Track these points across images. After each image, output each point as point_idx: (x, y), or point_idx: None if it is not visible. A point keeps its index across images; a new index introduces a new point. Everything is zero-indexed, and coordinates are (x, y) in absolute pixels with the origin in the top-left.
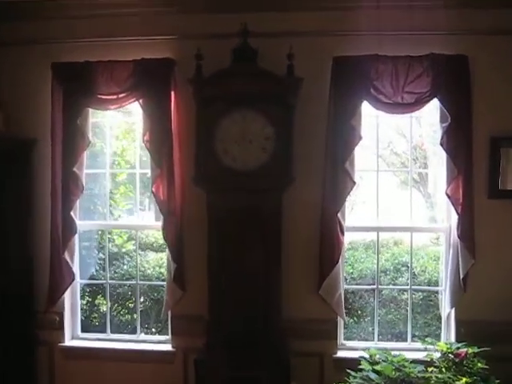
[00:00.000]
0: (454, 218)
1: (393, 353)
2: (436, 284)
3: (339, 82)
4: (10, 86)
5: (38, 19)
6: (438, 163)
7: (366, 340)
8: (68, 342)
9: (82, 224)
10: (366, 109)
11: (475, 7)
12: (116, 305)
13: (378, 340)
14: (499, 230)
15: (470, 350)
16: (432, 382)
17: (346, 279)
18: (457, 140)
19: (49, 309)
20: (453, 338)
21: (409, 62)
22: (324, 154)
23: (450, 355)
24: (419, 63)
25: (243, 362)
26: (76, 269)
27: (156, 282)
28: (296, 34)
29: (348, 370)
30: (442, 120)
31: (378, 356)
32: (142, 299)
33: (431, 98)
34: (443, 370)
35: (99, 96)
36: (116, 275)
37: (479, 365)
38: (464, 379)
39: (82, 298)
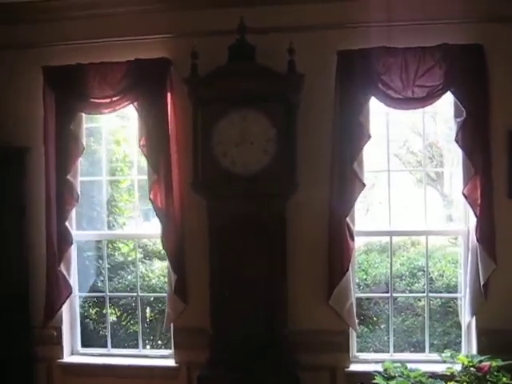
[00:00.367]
0: (473, 219)
1: (409, 366)
2: (455, 289)
3: (345, 77)
4: (1, 92)
5: (27, 22)
6: (454, 161)
7: (381, 351)
8: (67, 357)
9: (78, 234)
10: (377, 105)
11: None
12: (125, 314)
13: (394, 351)
14: None
15: (494, 363)
16: None
17: (360, 286)
18: (473, 136)
19: (46, 324)
20: (474, 349)
21: (419, 53)
22: (330, 155)
23: (471, 369)
24: (430, 55)
25: (248, 378)
26: (74, 281)
27: (158, 293)
28: (297, 28)
29: None
30: (457, 115)
31: (393, 370)
32: (148, 309)
33: (444, 92)
34: None
35: (92, 100)
36: (120, 286)
37: (504, 379)
38: None
39: (92, 307)
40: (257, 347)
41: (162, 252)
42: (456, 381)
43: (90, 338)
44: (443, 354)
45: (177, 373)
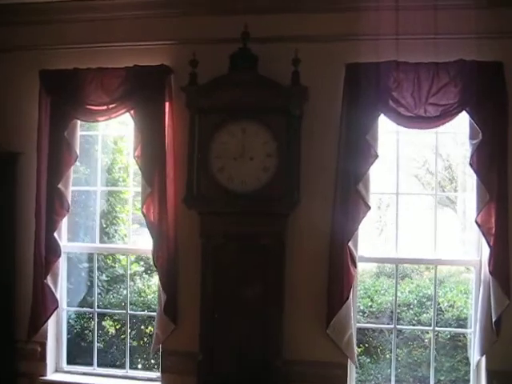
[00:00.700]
0: (486, 249)
1: None
2: (466, 321)
3: (353, 92)
4: None
5: (25, 24)
6: (469, 185)
7: None
8: (50, 375)
9: (69, 246)
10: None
11: (511, 6)
12: (124, 328)
13: None
14: None
15: None
16: None
17: (364, 313)
18: (489, 160)
19: (30, 338)
20: None
21: (433, 69)
22: (334, 174)
23: None
24: (445, 71)
25: None
26: (62, 295)
27: (151, 312)
28: (303, 39)
29: None
30: (472, 136)
31: None
32: (142, 326)
33: (459, 111)
34: None
35: (88, 106)
36: (114, 300)
37: None
38: None
39: (90, 321)
40: (248, 377)
41: None
42: None
43: (85, 353)
44: None
45: None
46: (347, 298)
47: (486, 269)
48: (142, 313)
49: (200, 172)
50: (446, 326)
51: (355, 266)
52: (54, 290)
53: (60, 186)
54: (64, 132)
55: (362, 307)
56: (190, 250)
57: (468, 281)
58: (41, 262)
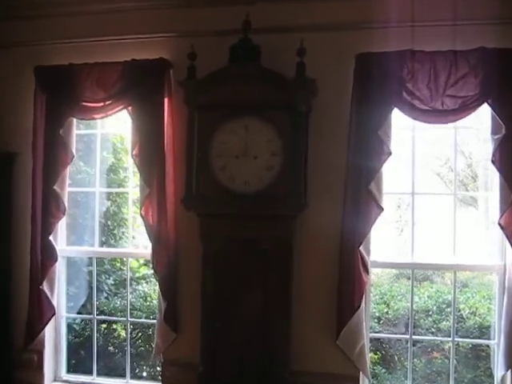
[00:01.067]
0: (510, 253)
1: None
2: (489, 329)
3: (364, 84)
4: None
5: (20, 19)
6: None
7: None
8: None
9: (68, 250)
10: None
11: None
12: (137, 331)
13: None
14: None
15: None
16: None
17: (380, 320)
18: None
19: (26, 346)
20: None
21: (451, 58)
22: (344, 173)
23: None
24: (465, 60)
25: None
26: (61, 301)
27: (152, 320)
28: (309, 28)
29: None
30: (495, 131)
31: None
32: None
33: (480, 104)
34: None
35: (84, 103)
36: (119, 305)
37: None
38: None
39: (103, 322)
40: None
41: None
42: None
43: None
44: None
45: None
46: (358, 307)
47: (510, 274)
48: (143, 320)
49: (200, 172)
50: (468, 335)
51: (367, 272)
52: (50, 296)
53: (56, 187)
54: (59, 130)
55: (377, 314)
56: (191, 254)
57: (492, 284)
58: (37, 266)
